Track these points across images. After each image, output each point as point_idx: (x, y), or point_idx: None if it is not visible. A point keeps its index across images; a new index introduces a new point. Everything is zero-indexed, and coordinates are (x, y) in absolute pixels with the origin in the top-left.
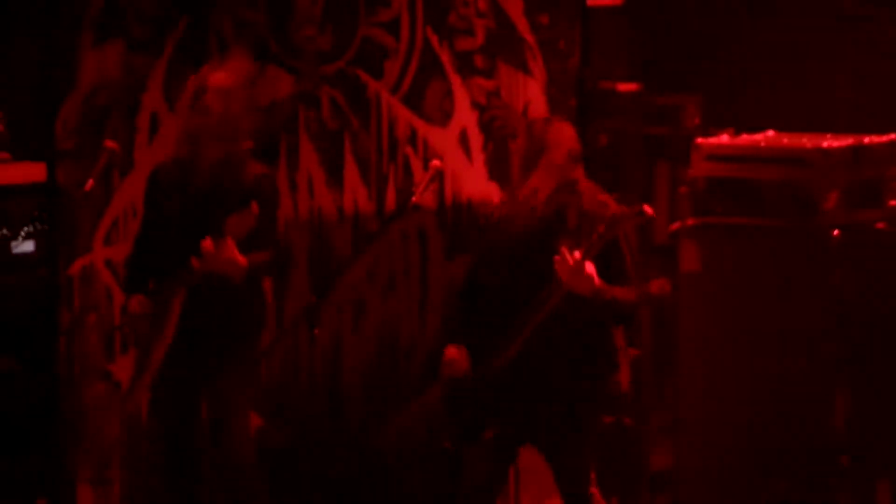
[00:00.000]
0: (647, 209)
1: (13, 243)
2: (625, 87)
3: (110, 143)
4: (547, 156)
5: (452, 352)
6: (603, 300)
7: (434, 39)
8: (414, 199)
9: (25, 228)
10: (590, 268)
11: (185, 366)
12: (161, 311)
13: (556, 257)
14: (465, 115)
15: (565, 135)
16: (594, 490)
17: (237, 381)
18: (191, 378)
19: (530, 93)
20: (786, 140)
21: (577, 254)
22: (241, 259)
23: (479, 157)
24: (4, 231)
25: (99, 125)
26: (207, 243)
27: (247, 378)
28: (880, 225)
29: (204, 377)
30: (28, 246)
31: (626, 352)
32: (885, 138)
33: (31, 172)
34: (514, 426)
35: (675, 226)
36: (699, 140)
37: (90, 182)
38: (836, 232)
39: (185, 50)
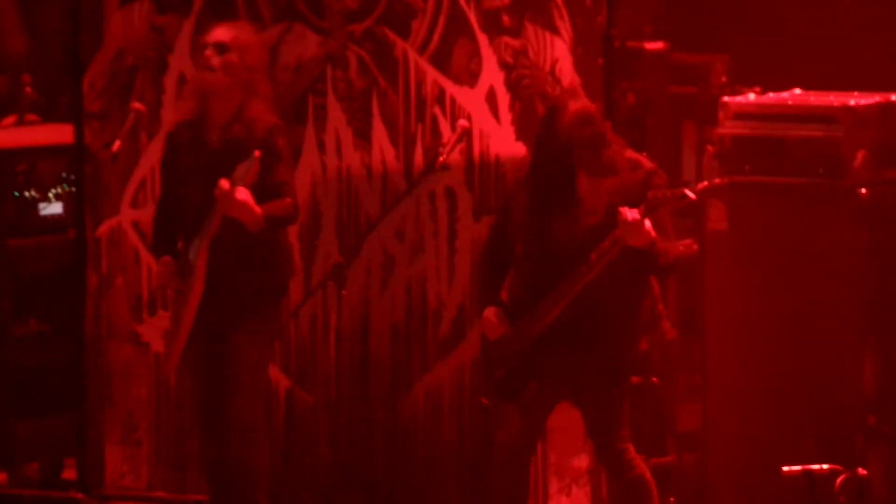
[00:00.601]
0: (689, 193)
1: (42, 205)
2: (652, 45)
3: (137, 105)
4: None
5: (490, 312)
6: (656, 251)
7: None
8: (442, 158)
9: (54, 190)
10: (647, 223)
11: (211, 323)
12: (189, 270)
13: (618, 212)
14: (492, 75)
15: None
16: (628, 445)
17: (252, 340)
18: (217, 335)
19: (557, 52)
20: (813, 98)
21: (635, 212)
22: (256, 207)
23: (506, 117)
24: (33, 193)
25: (126, 86)
26: (223, 184)
27: (263, 338)
28: None
29: (225, 334)
30: (56, 208)
31: (661, 306)
32: None
33: (59, 134)
34: (553, 383)
35: (703, 185)
36: (726, 99)
37: (118, 143)
38: (863, 191)
39: (212, 10)
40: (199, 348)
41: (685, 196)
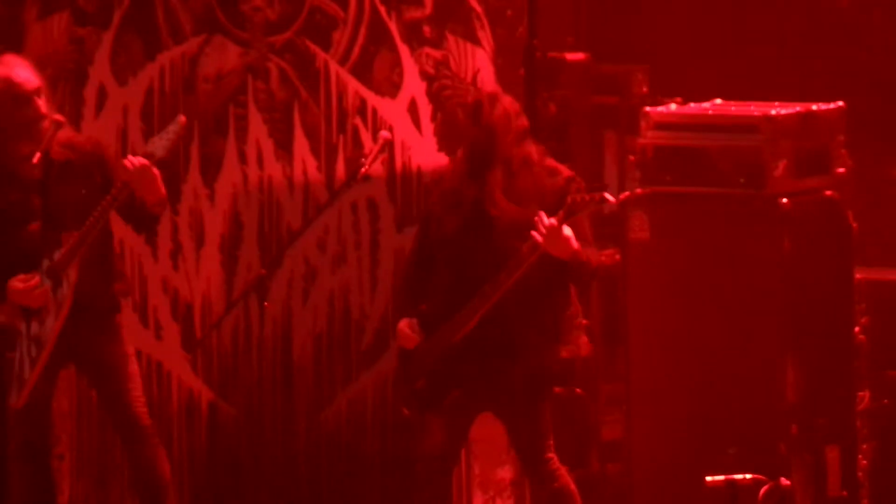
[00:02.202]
0: (609, 196)
1: None
2: (573, 56)
3: (58, 116)
4: (496, 142)
5: (403, 324)
6: (579, 260)
7: (382, 9)
8: (363, 169)
9: None
10: (567, 230)
11: (76, 339)
12: (57, 282)
13: (535, 221)
14: (413, 86)
15: (512, 115)
16: (552, 455)
17: (118, 348)
18: (59, 349)
19: (479, 62)
20: (733, 108)
21: (552, 220)
22: (162, 186)
23: (428, 128)
24: None
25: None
26: (134, 159)
27: (121, 341)
28: (828, 193)
29: (75, 345)
30: None
31: (577, 322)
32: (832, 106)
33: None
34: (474, 392)
35: (624, 195)
36: (647, 109)
37: (38, 155)
38: (784, 200)
39: (132, 21)
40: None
41: (604, 199)
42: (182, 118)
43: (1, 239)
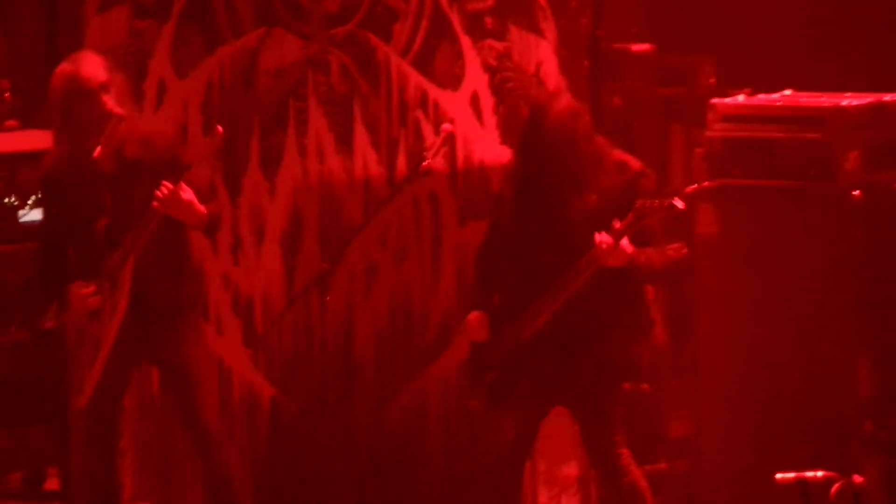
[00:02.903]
0: (678, 202)
1: (21, 212)
2: (639, 47)
3: (118, 110)
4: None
5: (472, 317)
6: (636, 265)
7: (444, 1)
8: (425, 163)
9: (33, 197)
10: (623, 242)
11: (127, 335)
12: (112, 286)
13: (595, 236)
14: (476, 78)
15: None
16: (623, 450)
17: (193, 348)
18: (132, 349)
19: (542, 54)
20: (803, 100)
21: (608, 238)
22: (200, 205)
23: (490, 121)
24: (13, 200)
25: None
26: (166, 185)
27: (200, 343)
28: None
29: (149, 346)
30: (36, 214)
31: (654, 310)
32: None
33: (39, 140)
34: (546, 386)
35: (691, 188)
36: (715, 101)
37: (98, 149)
38: (856, 193)
39: (191, 14)
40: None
41: (673, 206)
42: (219, 128)
43: (72, 234)
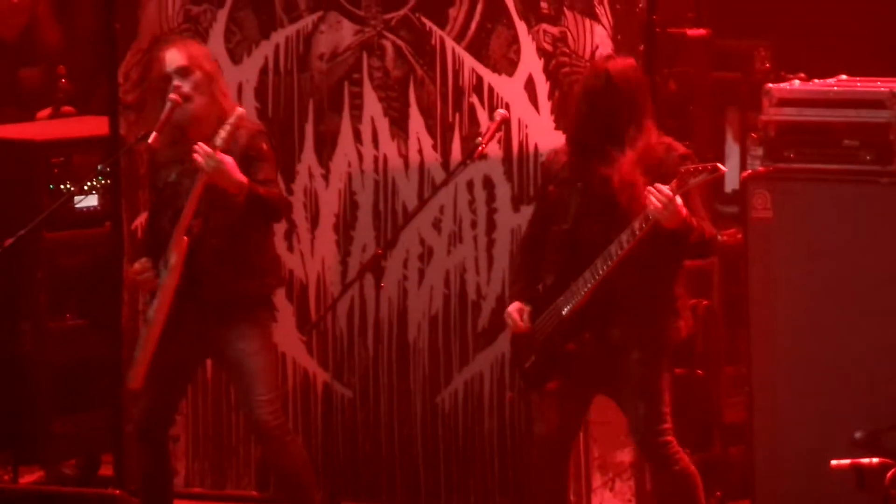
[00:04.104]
0: (721, 166)
1: (77, 198)
2: (694, 32)
3: (173, 95)
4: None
5: (513, 308)
6: (689, 228)
7: None
8: (480, 148)
9: (89, 183)
10: (678, 200)
11: (187, 325)
12: (164, 265)
13: (648, 191)
14: (531, 63)
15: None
16: (670, 439)
17: (255, 343)
18: (192, 340)
19: (597, 39)
20: (859, 84)
21: (668, 188)
22: (240, 174)
23: (545, 106)
24: (69, 186)
25: None
26: (202, 147)
27: (265, 339)
28: None
29: (209, 339)
30: (92, 200)
31: (686, 300)
32: None
33: (95, 126)
34: (584, 372)
35: (746, 173)
36: (770, 85)
37: (154, 135)
38: None
39: None
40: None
41: (717, 169)
42: (241, 111)
43: (154, 219)
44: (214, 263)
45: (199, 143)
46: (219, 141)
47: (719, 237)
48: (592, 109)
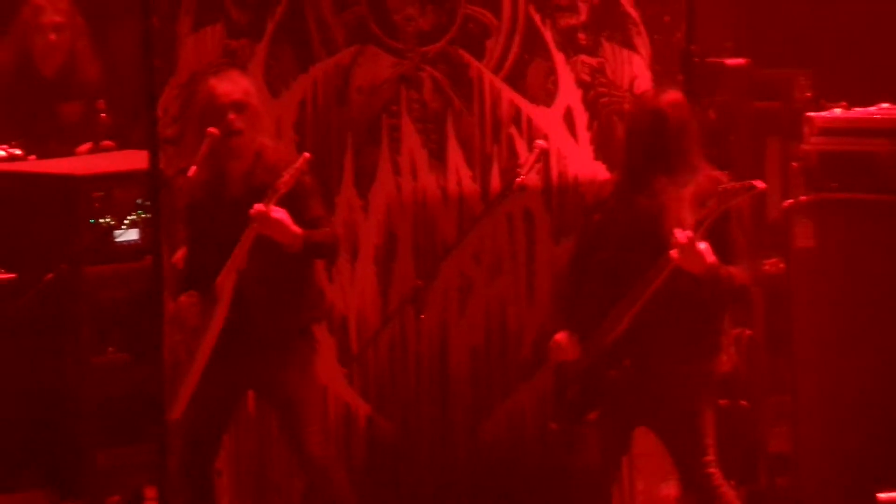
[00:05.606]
0: (758, 183)
1: (117, 232)
2: (733, 61)
3: (212, 129)
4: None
5: (560, 337)
6: (715, 277)
7: (537, 17)
8: (519, 179)
9: (129, 217)
10: (702, 246)
11: (232, 358)
12: (212, 300)
13: (673, 233)
14: (569, 94)
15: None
16: (714, 471)
17: (298, 375)
18: (236, 373)
19: (636, 69)
20: None
21: (688, 232)
22: (294, 226)
23: (584, 136)
24: (108, 220)
25: None
26: (258, 205)
27: (307, 371)
28: None
29: (253, 371)
30: (132, 234)
31: (729, 333)
32: None
33: (134, 160)
34: (626, 404)
35: (788, 202)
36: (811, 114)
37: (193, 169)
38: None
39: (284, 33)
40: (211, 387)
41: (753, 187)
42: (306, 154)
43: (195, 252)
44: (261, 297)
45: (256, 206)
46: (282, 186)
47: (758, 275)
48: (642, 143)
